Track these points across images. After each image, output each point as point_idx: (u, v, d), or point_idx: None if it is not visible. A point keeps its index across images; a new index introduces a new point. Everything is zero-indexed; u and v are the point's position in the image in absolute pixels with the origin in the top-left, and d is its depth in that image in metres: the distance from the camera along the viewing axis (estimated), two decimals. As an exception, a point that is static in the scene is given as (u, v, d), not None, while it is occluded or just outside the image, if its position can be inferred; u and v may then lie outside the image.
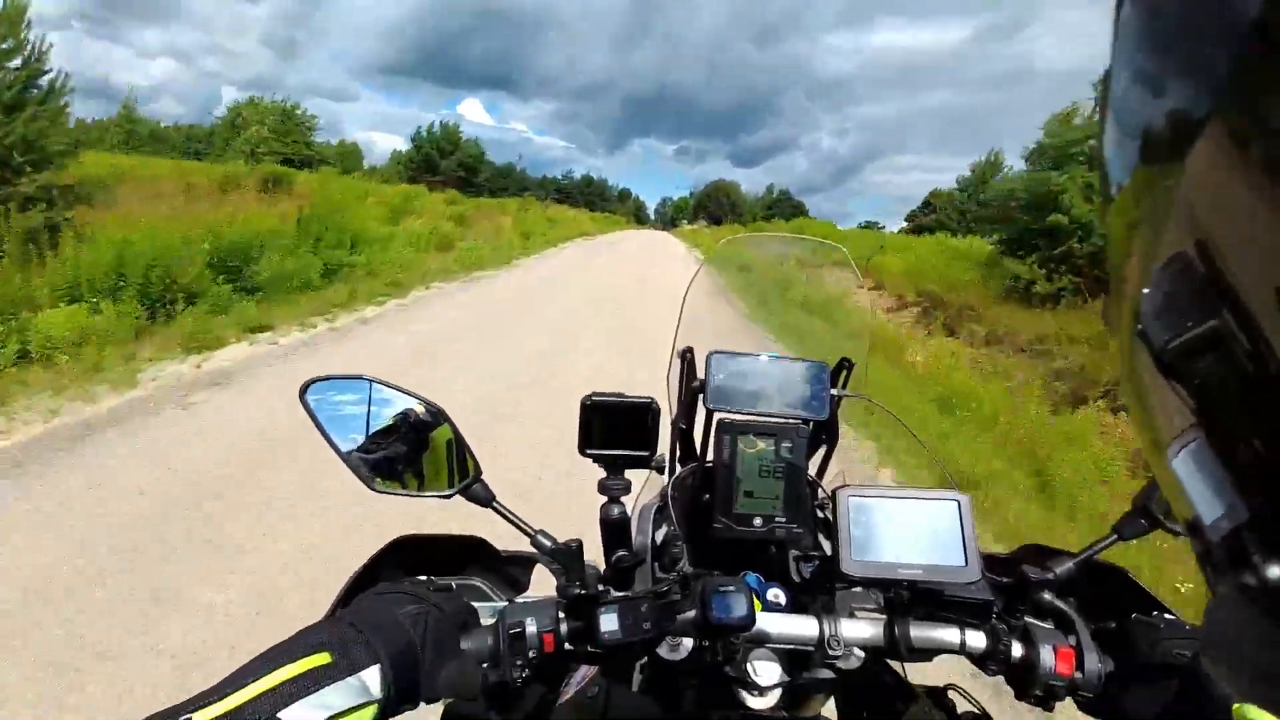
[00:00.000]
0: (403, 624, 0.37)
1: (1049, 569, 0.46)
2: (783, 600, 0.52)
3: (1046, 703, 0.44)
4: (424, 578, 0.46)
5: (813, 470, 0.64)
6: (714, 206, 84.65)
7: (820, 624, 0.46)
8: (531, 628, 0.44)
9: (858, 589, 0.51)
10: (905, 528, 0.46)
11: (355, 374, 0.47)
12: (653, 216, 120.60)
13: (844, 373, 0.62)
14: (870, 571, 0.45)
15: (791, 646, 0.46)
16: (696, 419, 0.63)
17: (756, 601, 0.51)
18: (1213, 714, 0.36)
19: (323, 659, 0.32)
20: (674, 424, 0.64)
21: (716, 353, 0.57)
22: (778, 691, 0.45)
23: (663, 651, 0.48)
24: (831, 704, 0.53)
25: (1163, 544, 1.77)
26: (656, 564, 0.55)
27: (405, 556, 0.50)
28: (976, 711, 0.49)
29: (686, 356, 0.62)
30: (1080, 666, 0.43)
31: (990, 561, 0.50)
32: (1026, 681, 0.43)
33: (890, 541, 0.45)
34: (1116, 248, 0.13)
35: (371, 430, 0.47)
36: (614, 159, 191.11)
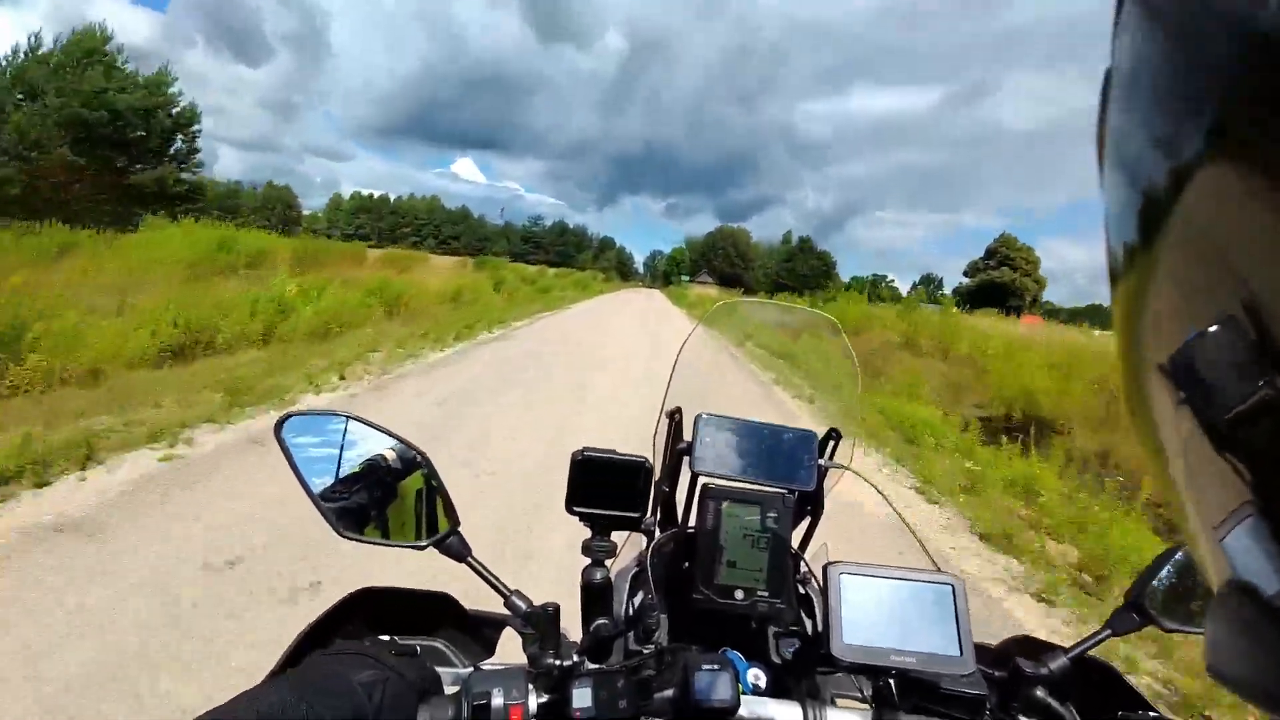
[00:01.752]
0: (355, 692, 0.41)
1: (1042, 663, 0.56)
2: (764, 682, 0.60)
3: None
4: (386, 638, 0.53)
5: (795, 542, 0.75)
6: (719, 259, 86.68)
7: (805, 711, 0.53)
8: (498, 699, 0.49)
9: (840, 674, 0.60)
10: (898, 610, 0.53)
11: (333, 411, 0.58)
12: (641, 271, 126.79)
13: (831, 443, 0.77)
14: (862, 657, 0.51)
15: None
16: (680, 482, 0.75)
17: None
18: None
19: None
20: (657, 486, 0.74)
21: (705, 415, 0.70)
22: None
23: None
24: None
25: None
26: (631, 634, 0.63)
27: (367, 610, 0.58)
28: None
29: (675, 417, 0.76)
30: None
31: (979, 651, 0.58)
32: None
33: (883, 625, 0.53)
34: (1137, 314, 0.15)
35: (346, 471, 0.56)
36: (604, 215, 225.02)
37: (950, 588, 0.54)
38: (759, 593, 0.64)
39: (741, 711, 0.53)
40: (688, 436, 0.70)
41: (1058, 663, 0.56)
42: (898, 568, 0.56)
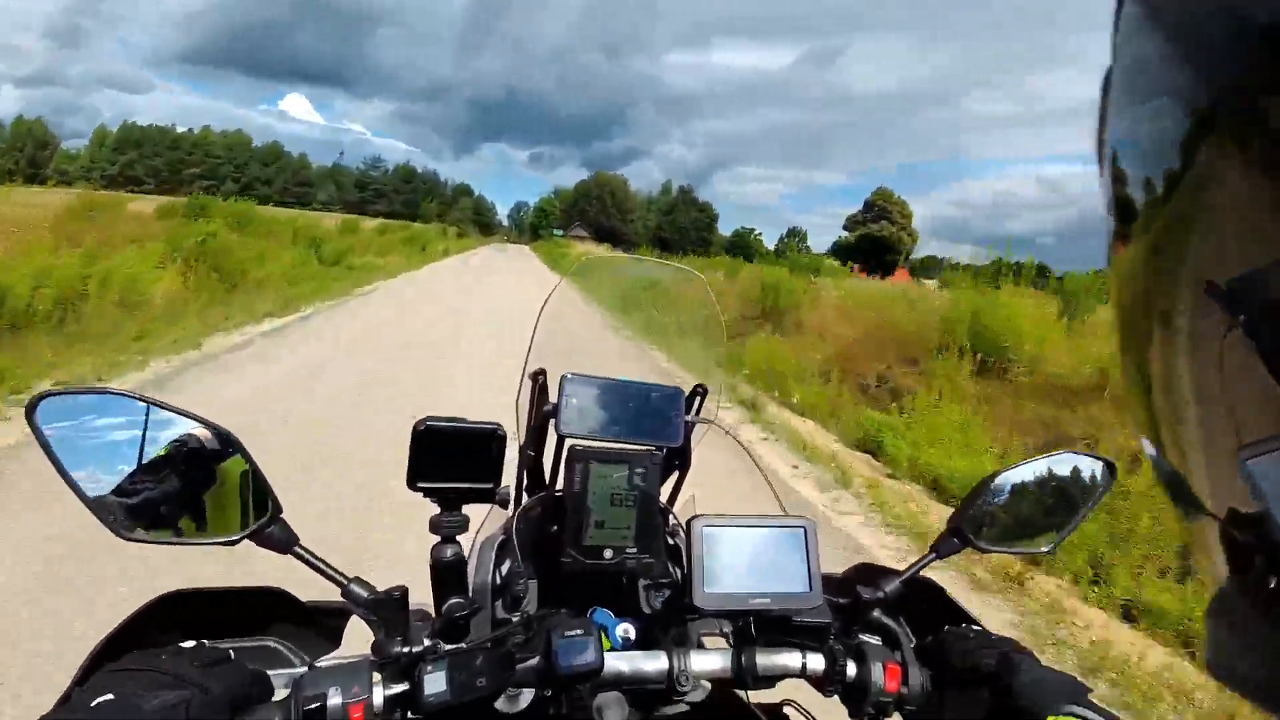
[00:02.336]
0: (149, 718, 0.39)
1: (880, 587, 0.69)
2: (632, 635, 0.69)
3: (877, 719, 0.64)
4: (192, 644, 0.49)
5: (664, 497, 0.83)
6: (594, 210, 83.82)
7: (670, 659, 0.62)
8: (335, 699, 0.49)
9: (706, 619, 0.69)
10: (755, 556, 0.64)
11: (106, 388, 0.52)
12: (506, 224, 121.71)
13: (698, 399, 0.85)
14: (721, 604, 0.61)
15: (640, 686, 0.61)
16: (546, 446, 0.79)
17: (606, 641, 0.68)
18: None
19: None
20: (521, 450, 0.79)
21: (570, 376, 0.73)
22: None
23: (500, 705, 0.59)
24: None
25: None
26: (499, 604, 0.68)
27: (181, 616, 0.54)
28: None
29: (538, 379, 0.78)
30: (905, 681, 0.64)
31: (827, 582, 0.71)
32: (859, 700, 0.64)
33: (742, 571, 0.63)
34: (1137, 249, 0.17)
35: (128, 460, 0.49)
36: (462, 164, 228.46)
37: (803, 530, 0.66)
38: (628, 550, 0.70)
39: (611, 667, 0.59)
40: (554, 399, 0.74)
41: (892, 586, 0.69)
42: (755, 516, 0.66)
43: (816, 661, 0.65)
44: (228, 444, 0.53)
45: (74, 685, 0.47)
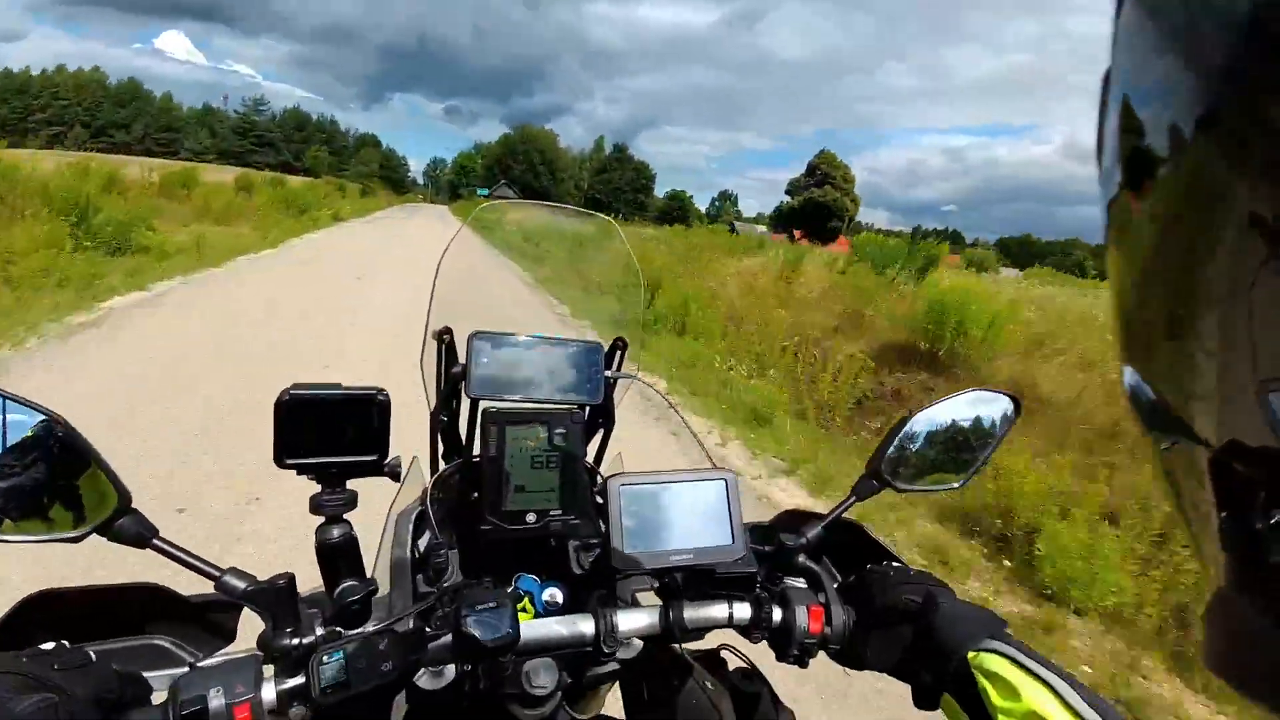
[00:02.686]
0: None
1: (803, 533, 0.73)
2: (560, 599, 0.71)
3: (803, 660, 0.69)
4: (51, 645, 0.47)
5: (590, 457, 0.85)
6: (520, 167, 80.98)
7: (596, 621, 0.64)
8: (217, 700, 0.47)
9: (634, 576, 0.72)
10: (676, 512, 0.67)
11: None
12: (421, 182, 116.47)
13: (618, 353, 0.86)
14: (645, 562, 0.64)
15: (570, 650, 0.64)
16: (461, 410, 0.78)
17: (530, 608, 0.70)
18: (947, 657, 0.57)
19: None
20: (433, 416, 0.78)
21: (479, 334, 0.73)
22: (557, 696, 0.62)
23: (422, 682, 0.60)
24: (616, 691, 0.73)
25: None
26: (420, 578, 0.68)
27: (51, 617, 0.52)
28: (746, 667, 0.74)
29: (445, 339, 0.76)
30: (829, 621, 0.69)
31: (753, 531, 0.75)
32: (784, 644, 0.68)
33: (662, 528, 0.66)
34: (1138, 248, 0.19)
35: None
36: (372, 114, 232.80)
37: (723, 482, 0.69)
38: (552, 513, 0.72)
39: (536, 633, 0.62)
40: (463, 359, 0.73)
41: (814, 531, 0.74)
42: (675, 471, 0.69)
43: (743, 610, 0.69)
44: (67, 432, 0.49)
45: None
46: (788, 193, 69.29)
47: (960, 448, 0.78)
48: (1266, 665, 0.17)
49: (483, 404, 0.73)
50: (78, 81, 77.76)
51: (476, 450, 0.74)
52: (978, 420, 0.78)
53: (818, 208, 63.09)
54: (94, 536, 0.50)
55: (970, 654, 0.56)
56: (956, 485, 0.80)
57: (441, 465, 0.81)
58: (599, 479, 0.84)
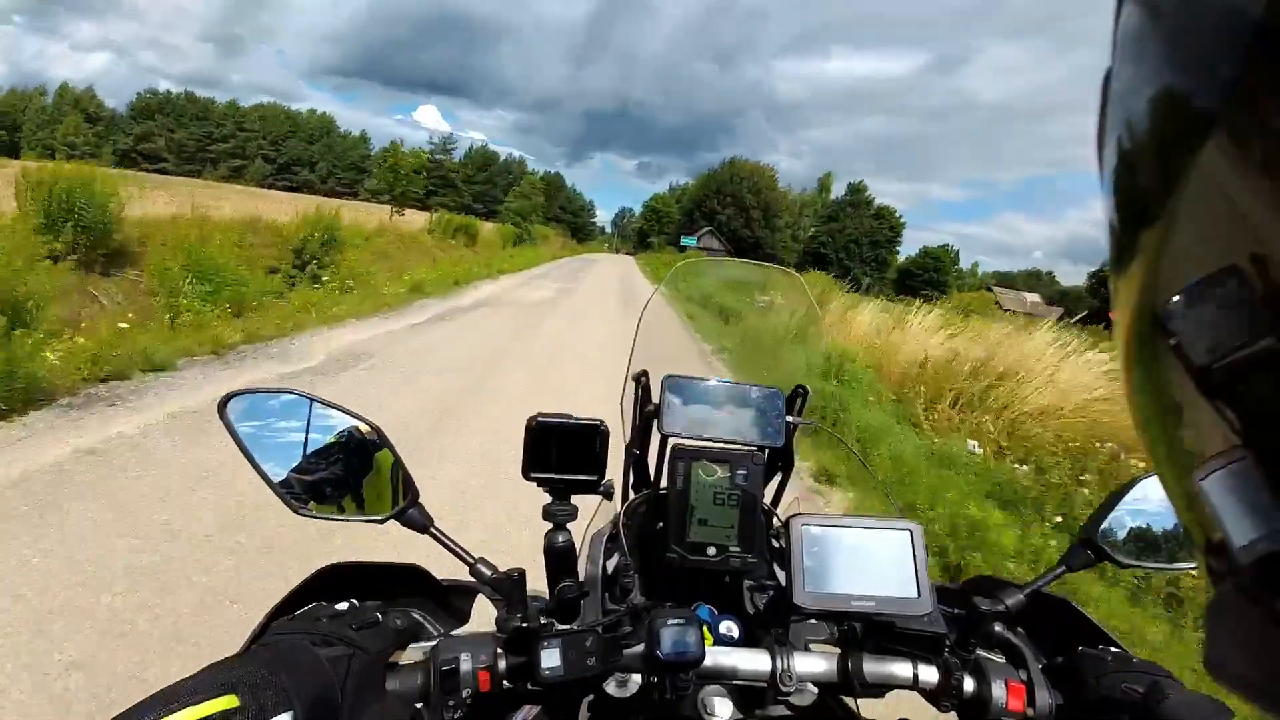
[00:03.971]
0: (322, 665, 0.60)
1: (999, 600, 0.86)
2: (735, 633, 0.93)
3: None
4: (350, 604, 0.77)
5: (767, 498, 1.11)
6: (730, 212, 78.98)
7: (773, 658, 0.82)
8: (466, 665, 0.74)
9: (812, 621, 0.91)
10: (858, 557, 0.83)
11: (283, 388, 0.85)
12: (609, 230, 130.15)
13: (799, 400, 1.13)
14: (824, 603, 0.81)
15: (744, 682, 0.82)
16: (651, 445, 1.10)
17: (708, 635, 0.91)
18: None
19: (229, 702, 0.51)
20: (627, 449, 1.11)
21: (671, 377, 1.03)
22: None
23: (610, 688, 0.85)
24: None
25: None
26: (607, 595, 0.95)
27: (337, 585, 0.84)
28: None
29: (641, 380, 1.11)
30: (1031, 702, 0.78)
31: (941, 593, 0.90)
32: (978, 718, 0.79)
33: (844, 572, 0.83)
34: (1134, 257, 0.23)
35: (299, 448, 0.81)
36: (573, 170, 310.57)
37: (908, 533, 0.85)
38: (731, 549, 0.95)
39: (715, 661, 0.82)
40: (656, 399, 1.03)
41: (1014, 599, 0.87)
42: (859, 516, 0.88)
43: (929, 673, 0.83)
44: (378, 437, 0.83)
45: (255, 636, 0.71)
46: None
47: None
48: (1267, 667, 0.20)
49: (672, 441, 1.01)
50: (261, 113, 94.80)
51: (664, 483, 1.01)
52: None
53: None
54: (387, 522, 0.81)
55: None
56: (1188, 566, 0.89)
57: (631, 494, 1.11)
58: (776, 521, 1.09)
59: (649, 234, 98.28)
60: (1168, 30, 0.21)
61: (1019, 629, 0.89)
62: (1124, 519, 0.88)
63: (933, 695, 0.84)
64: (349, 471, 0.83)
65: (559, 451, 0.85)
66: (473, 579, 0.85)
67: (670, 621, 0.77)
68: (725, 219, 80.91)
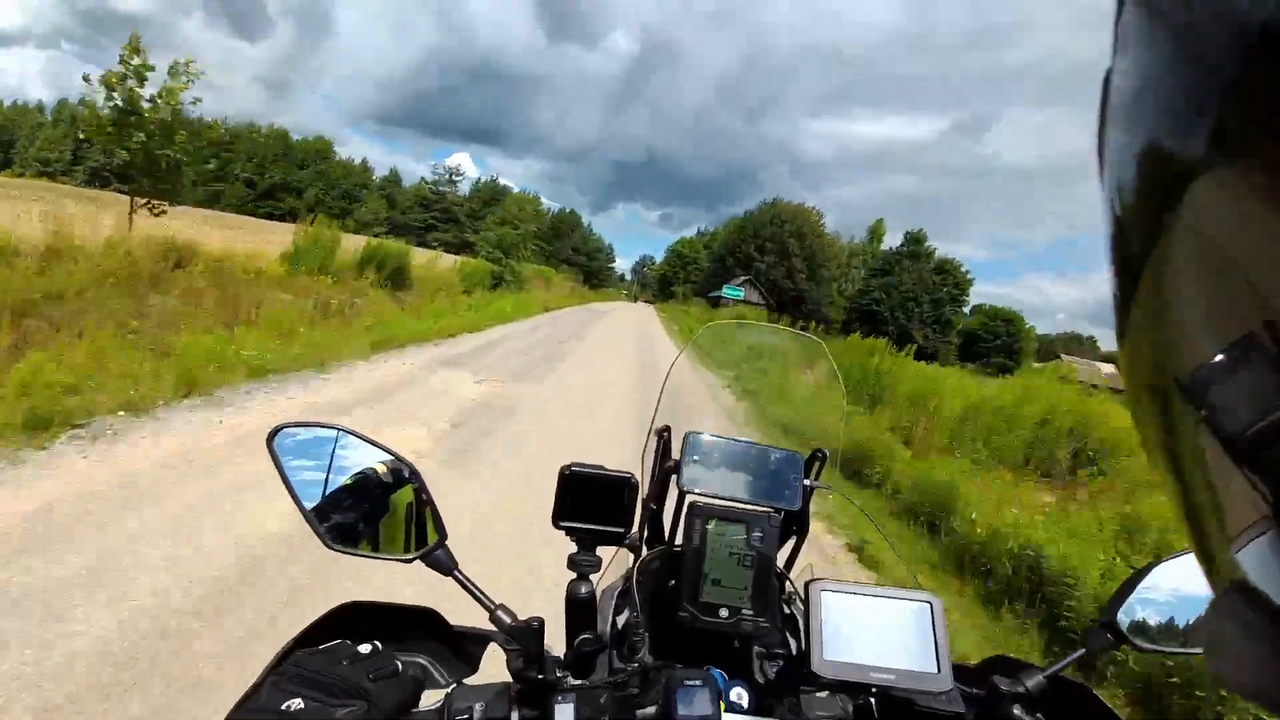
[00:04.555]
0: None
1: (1019, 682, 0.96)
2: (746, 701, 1.00)
3: None
4: (374, 647, 0.88)
5: (781, 561, 1.22)
6: (771, 260, 75.45)
7: None
8: (480, 715, 0.81)
9: (823, 694, 0.99)
10: (877, 628, 0.93)
11: (326, 422, 0.97)
12: (629, 278, 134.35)
13: (817, 464, 1.26)
14: (842, 673, 0.90)
15: None
16: (668, 501, 1.22)
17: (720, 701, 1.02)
18: None
19: None
20: (644, 504, 1.21)
21: (693, 434, 1.15)
22: None
23: None
24: None
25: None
26: (615, 652, 1.03)
27: (355, 623, 0.93)
28: None
29: (663, 435, 1.24)
30: None
31: (958, 671, 0.98)
32: None
33: (862, 642, 0.92)
34: (1146, 328, 0.26)
35: (337, 483, 0.93)
36: (597, 219, 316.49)
37: (929, 606, 0.95)
38: (743, 611, 1.05)
39: None
40: (676, 455, 1.14)
41: (1034, 681, 0.97)
42: (878, 586, 0.98)
43: None
44: (406, 476, 0.93)
45: (267, 674, 0.79)
46: None
47: None
48: (1269, 669, 0.23)
49: (689, 497, 1.13)
50: (238, 133, 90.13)
51: (679, 540, 1.12)
52: None
53: None
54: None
55: None
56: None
57: (645, 550, 1.22)
58: (789, 586, 1.21)
59: (673, 281, 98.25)
60: (1168, 31, 0.23)
61: (1038, 715, 0.97)
62: (1143, 603, 0.98)
63: None
64: (381, 508, 0.95)
65: (589, 502, 0.98)
66: (491, 627, 0.95)
67: (686, 683, 0.85)
68: (764, 267, 77.44)
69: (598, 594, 1.11)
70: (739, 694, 1.01)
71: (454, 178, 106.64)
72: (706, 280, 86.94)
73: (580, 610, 0.99)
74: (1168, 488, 0.28)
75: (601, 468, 1.00)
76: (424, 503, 0.95)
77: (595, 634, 0.97)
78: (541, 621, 0.93)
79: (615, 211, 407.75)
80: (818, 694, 1.00)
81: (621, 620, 1.08)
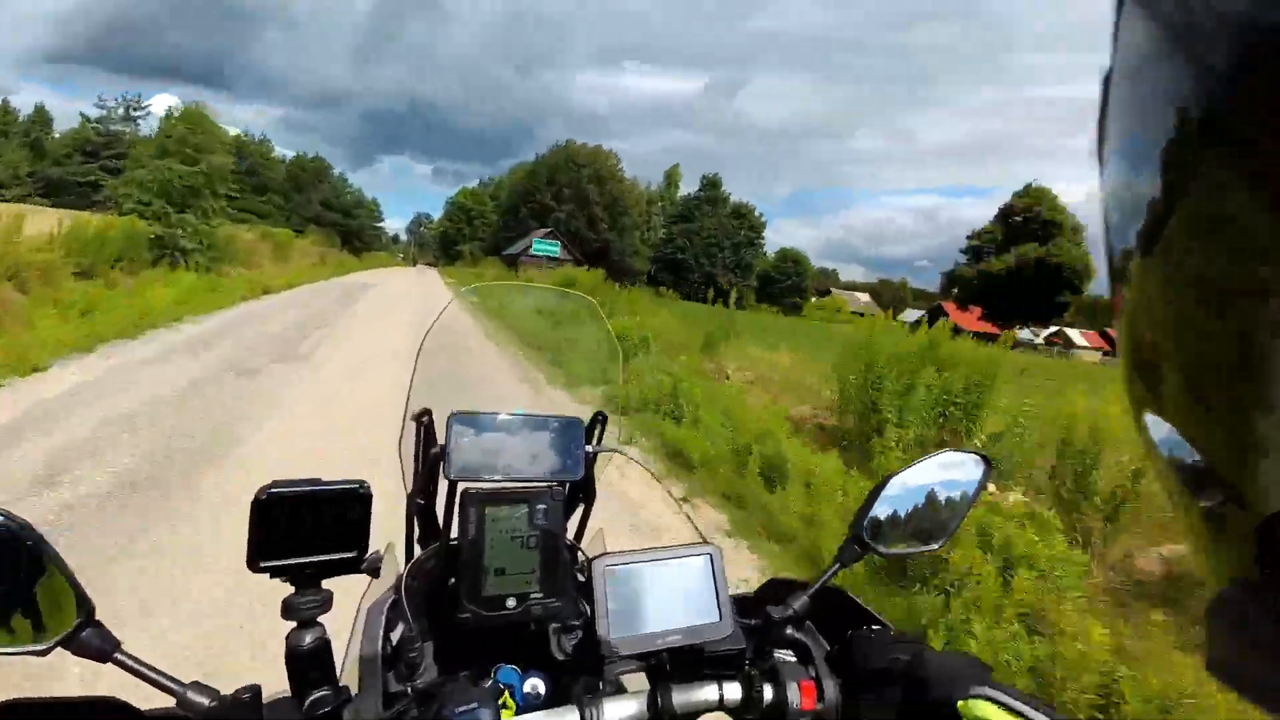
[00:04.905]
0: None
1: (788, 606, 1.09)
2: (542, 690, 1.06)
3: None
4: None
5: (570, 533, 1.26)
6: (568, 208, 71.75)
7: (581, 712, 0.94)
8: None
9: (620, 661, 1.04)
10: (663, 590, 1.03)
11: None
12: (404, 239, 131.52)
13: (598, 427, 1.31)
14: (633, 646, 0.98)
15: None
16: (439, 492, 1.18)
17: (511, 703, 1.04)
18: (938, 711, 0.87)
19: None
20: (410, 500, 1.20)
21: (458, 415, 1.12)
22: None
23: None
24: None
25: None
26: (392, 674, 0.98)
27: None
28: None
29: (423, 421, 1.20)
30: (821, 697, 1.01)
31: (739, 604, 1.11)
32: None
33: (650, 608, 1.01)
34: (1142, 320, 0.28)
35: None
36: (359, 176, 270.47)
37: (708, 556, 1.07)
38: (532, 596, 1.08)
39: None
40: (442, 440, 1.11)
41: (800, 601, 1.10)
42: (659, 549, 1.06)
43: (734, 691, 1.02)
44: (31, 538, 0.73)
45: None
46: (967, 252, 68.22)
47: (937, 508, 1.18)
48: (1269, 668, 0.25)
49: (461, 485, 1.12)
50: None
51: (455, 534, 1.11)
52: (951, 482, 1.19)
53: (1038, 273, 60.23)
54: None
55: (960, 703, 0.86)
56: (936, 547, 1.20)
57: (418, 551, 1.21)
58: (580, 557, 1.24)
59: (456, 239, 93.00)
60: (1167, 30, 0.24)
61: (809, 624, 1.13)
62: (883, 513, 1.15)
63: (736, 713, 1.03)
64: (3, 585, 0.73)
65: (303, 528, 0.85)
66: (181, 712, 0.82)
67: (459, 711, 0.84)
68: (564, 216, 73.94)
69: (362, 614, 1.05)
70: (533, 685, 1.06)
71: (133, 111, 79.24)
72: (498, 236, 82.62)
73: (308, 663, 0.87)
74: (1165, 484, 0.30)
75: (317, 481, 0.87)
76: (55, 571, 0.75)
77: (334, 686, 0.89)
78: (256, 690, 0.85)
79: (380, 166, 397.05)
80: (614, 663, 1.06)
81: (396, 635, 1.01)
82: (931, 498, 1.18)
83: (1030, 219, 62.91)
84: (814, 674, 1.04)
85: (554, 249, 68.12)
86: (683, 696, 0.99)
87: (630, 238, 77.25)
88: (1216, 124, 0.22)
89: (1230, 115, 0.22)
